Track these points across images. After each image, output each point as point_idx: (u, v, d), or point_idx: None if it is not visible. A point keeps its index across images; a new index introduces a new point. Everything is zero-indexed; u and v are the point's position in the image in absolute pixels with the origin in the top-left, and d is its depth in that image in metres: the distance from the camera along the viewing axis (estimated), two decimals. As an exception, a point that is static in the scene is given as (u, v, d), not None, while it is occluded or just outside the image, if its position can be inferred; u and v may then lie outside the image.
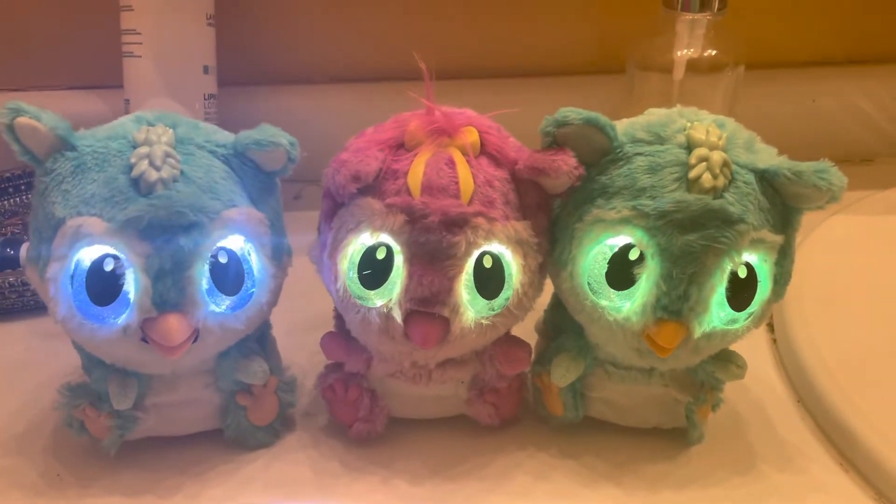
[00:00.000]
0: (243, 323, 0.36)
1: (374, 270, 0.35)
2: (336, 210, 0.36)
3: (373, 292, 0.35)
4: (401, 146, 0.35)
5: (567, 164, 0.34)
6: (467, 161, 0.35)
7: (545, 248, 0.37)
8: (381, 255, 0.34)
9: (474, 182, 0.34)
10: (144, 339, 0.34)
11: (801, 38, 0.67)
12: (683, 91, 0.57)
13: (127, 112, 0.58)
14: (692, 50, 0.57)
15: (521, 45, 0.66)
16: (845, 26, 0.67)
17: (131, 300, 0.33)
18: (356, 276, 0.35)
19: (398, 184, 0.34)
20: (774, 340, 0.48)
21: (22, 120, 0.34)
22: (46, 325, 0.49)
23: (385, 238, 0.34)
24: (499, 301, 0.35)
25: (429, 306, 0.34)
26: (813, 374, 0.43)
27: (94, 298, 0.34)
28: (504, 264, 0.35)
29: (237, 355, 0.38)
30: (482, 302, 0.35)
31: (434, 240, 0.33)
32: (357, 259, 0.35)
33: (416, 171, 0.34)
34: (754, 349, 0.47)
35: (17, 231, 0.59)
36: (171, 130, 0.35)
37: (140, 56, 0.56)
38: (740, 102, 0.59)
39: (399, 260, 0.34)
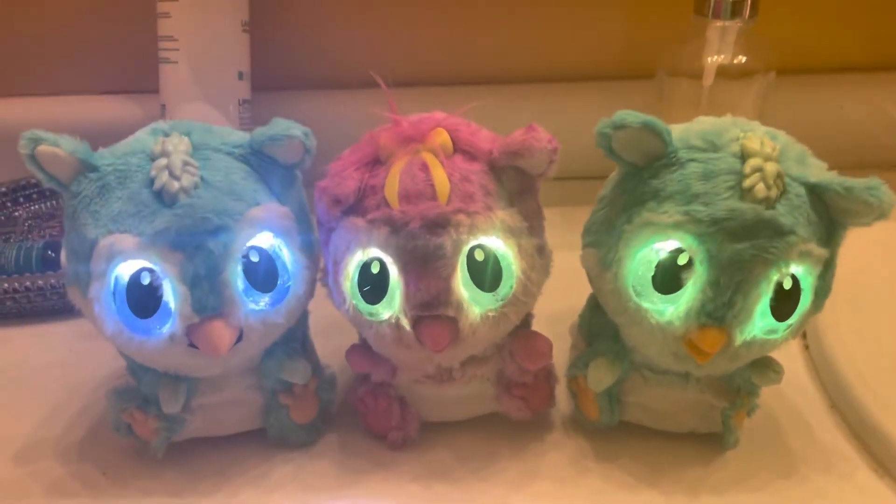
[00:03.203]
0: (284, 317, 0.37)
1: (372, 286, 0.35)
2: (330, 235, 0.37)
3: (377, 306, 0.36)
4: (376, 161, 0.36)
5: (538, 140, 0.34)
6: (441, 162, 0.35)
7: (540, 229, 0.37)
8: (375, 269, 0.35)
9: (450, 181, 0.34)
10: (192, 345, 0.34)
11: (830, 45, 0.67)
12: (713, 97, 0.58)
13: (163, 117, 0.59)
14: (722, 56, 0.57)
15: (551, 50, 0.67)
16: (873, 33, 0.67)
17: (172, 309, 0.34)
18: (360, 293, 0.36)
19: (377, 198, 0.35)
20: (807, 346, 0.49)
21: (42, 148, 0.34)
22: (87, 326, 0.51)
23: (375, 252, 0.35)
24: (504, 291, 0.36)
25: (432, 310, 0.34)
26: (846, 379, 0.43)
27: (137, 311, 0.34)
28: (498, 255, 0.35)
29: (282, 355, 0.39)
30: (486, 295, 0.35)
31: (420, 245, 0.34)
32: (356, 277, 0.36)
33: (392, 181, 0.35)
34: (787, 355, 0.46)
35: (55, 234, 0.60)
36: (186, 138, 0.35)
37: (176, 62, 0.57)
38: (770, 108, 0.59)
39: (393, 271, 0.35)
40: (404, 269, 0.34)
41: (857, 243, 0.56)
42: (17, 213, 0.62)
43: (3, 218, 0.61)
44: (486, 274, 0.35)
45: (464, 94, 0.64)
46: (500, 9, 0.65)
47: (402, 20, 0.65)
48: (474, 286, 0.35)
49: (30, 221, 0.61)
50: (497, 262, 0.35)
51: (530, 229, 0.36)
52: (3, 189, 0.62)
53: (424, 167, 0.35)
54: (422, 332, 0.35)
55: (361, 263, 0.35)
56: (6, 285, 0.51)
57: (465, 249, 0.34)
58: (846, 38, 0.67)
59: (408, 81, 0.66)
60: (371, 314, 0.36)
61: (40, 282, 0.51)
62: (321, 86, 0.66)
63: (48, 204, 0.63)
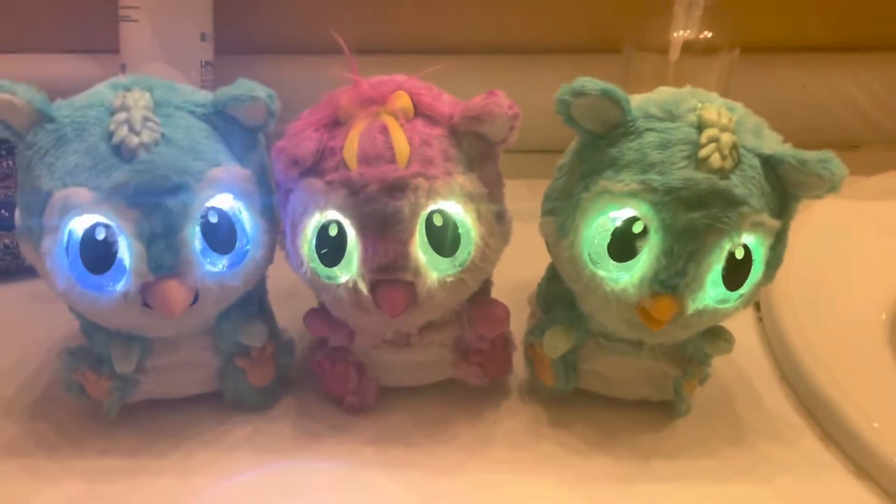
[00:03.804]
0: (241, 280, 0.37)
1: (330, 248, 0.35)
2: (288, 197, 0.36)
3: (335, 269, 0.35)
4: (336, 123, 0.36)
5: (500, 105, 0.35)
6: (400, 125, 0.35)
7: (499, 196, 0.37)
8: (333, 231, 0.35)
9: (410, 144, 0.34)
10: (146, 304, 0.34)
11: (794, 25, 0.68)
12: (679, 72, 0.58)
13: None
14: (688, 31, 0.57)
15: (520, 21, 0.66)
16: (837, 14, 0.68)
17: (127, 266, 0.34)
18: (316, 256, 0.36)
19: (336, 159, 0.35)
20: (760, 319, 0.50)
21: None
22: (42, 287, 0.50)
23: (333, 214, 0.35)
24: (462, 256, 0.36)
25: (390, 273, 0.34)
26: (796, 350, 0.44)
27: (91, 267, 0.34)
28: (457, 220, 0.35)
29: (238, 318, 0.39)
30: (444, 260, 0.35)
31: (378, 208, 0.34)
32: (314, 240, 0.35)
33: (351, 143, 0.34)
34: (741, 327, 0.48)
35: (10, 194, 0.59)
36: (147, 94, 0.35)
37: (137, 21, 0.56)
38: (733, 85, 0.59)
39: (351, 233, 0.35)
40: (362, 232, 0.34)
41: (813, 221, 0.57)
42: (-29, 173, 0.61)
43: (-44, 177, 0.60)
44: (444, 239, 0.35)
45: (429, 63, 0.63)
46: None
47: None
48: (432, 251, 0.35)
49: (-16, 181, 0.60)
50: (456, 227, 0.35)
51: (490, 196, 0.36)
52: (-43, 148, 0.60)
53: (384, 130, 0.35)
54: (379, 295, 0.35)
55: (319, 226, 0.35)
56: (-41, 245, 0.50)
57: (424, 214, 0.34)
58: (810, 18, 0.68)
59: (372, 49, 0.65)
60: (329, 277, 0.36)
61: (-6, 241, 0.50)
62: (285, 50, 0.65)
63: (3, 163, 0.61)
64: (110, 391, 0.38)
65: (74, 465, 0.38)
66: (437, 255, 0.35)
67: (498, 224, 0.37)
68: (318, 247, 0.35)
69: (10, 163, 0.61)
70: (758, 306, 0.50)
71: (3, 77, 0.61)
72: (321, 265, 0.36)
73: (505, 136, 0.36)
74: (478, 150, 0.36)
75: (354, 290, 0.35)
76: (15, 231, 0.50)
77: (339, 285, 0.36)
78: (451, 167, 0.35)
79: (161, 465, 0.38)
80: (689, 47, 0.57)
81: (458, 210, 0.35)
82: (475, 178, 0.36)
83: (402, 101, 0.35)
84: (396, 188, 0.34)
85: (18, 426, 0.40)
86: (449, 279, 0.36)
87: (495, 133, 0.36)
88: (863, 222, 0.58)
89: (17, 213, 0.51)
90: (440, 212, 0.35)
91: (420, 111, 0.36)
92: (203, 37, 0.58)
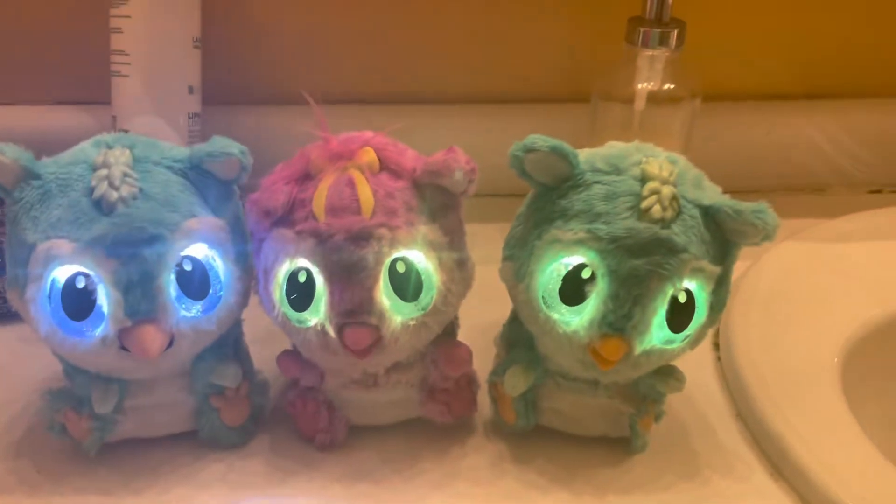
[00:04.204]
0: (215, 324, 0.39)
1: (299, 293, 0.38)
2: (261, 245, 0.39)
3: (305, 313, 0.38)
4: (307, 177, 0.38)
5: (457, 161, 0.37)
6: (367, 179, 0.37)
7: (461, 244, 0.40)
8: (302, 278, 0.37)
9: (374, 197, 0.37)
10: (123, 348, 0.36)
11: (757, 74, 0.71)
12: (644, 121, 0.61)
13: (114, 128, 0.60)
14: (652, 83, 0.60)
15: (488, 71, 0.69)
16: (798, 63, 0.71)
17: (105, 313, 0.36)
18: (287, 301, 0.38)
19: (305, 210, 0.37)
20: (719, 358, 0.51)
21: None
22: (27, 331, 0.51)
23: (303, 262, 0.37)
24: (424, 301, 0.38)
25: (356, 317, 0.37)
26: (751, 390, 0.46)
27: (71, 314, 0.36)
28: (419, 267, 0.38)
29: (212, 359, 0.41)
30: (407, 305, 0.38)
31: (344, 256, 0.36)
32: (284, 285, 0.38)
33: (320, 196, 0.37)
34: (700, 366, 0.50)
35: (2, 240, 0.61)
36: (128, 151, 0.37)
37: (128, 76, 0.59)
38: (697, 133, 0.62)
39: (320, 280, 0.37)
40: (329, 279, 0.36)
41: (775, 262, 0.59)
42: (-36, 220, 0.63)
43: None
44: (407, 285, 0.37)
45: (404, 113, 0.67)
46: (437, 31, 0.68)
47: (347, 41, 0.68)
48: (396, 296, 0.37)
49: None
50: (418, 273, 0.38)
51: (450, 244, 0.39)
52: (-49, 196, 0.63)
53: (351, 183, 0.37)
54: (346, 337, 0.37)
55: (289, 273, 0.37)
56: (-51, 289, 0.52)
57: (388, 261, 0.37)
58: (772, 67, 0.71)
59: (350, 99, 0.68)
60: (299, 321, 0.38)
61: (-18, 286, 0.52)
62: (269, 101, 0.68)
63: (-2, 211, 0.64)
64: (90, 431, 0.40)
65: (53, 501, 0.40)
66: (400, 300, 0.37)
67: (459, 270, 0.39)
68: (289, 292, 0.38)
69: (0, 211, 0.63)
70: (717, 345, 0.52)
71: (-1, 128, 0.64)
72: (291, 310, 0.38)
73: (464, 188, 0.38)
74: (440, 201, 0.39)
75: (322, 332, 0.37)
76: (2, 278, 0.53)
77: (308, 328, 0.38)
78: (413, 217, 0.37)
79: (137, 502, 0.40)
80: (653, 97, 0.60)
81: (419, 258, 0.38)
82: (437, 227, 0.38)
83: (369, 156, 0.38)
84: (361, 237, 0.36)
85: (1, 463, 0.42)
86: (412, 322, 0.38)
87: (455, 186, 0.38)
88: (822, 264, 0.59)
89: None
90: (403, 259, 0.37)
91: (385, 165, 0.38)
92: (191, 90, 0.61)
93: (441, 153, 0.38)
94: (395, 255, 0.37)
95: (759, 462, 0.43)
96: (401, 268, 0.37)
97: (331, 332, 0.37)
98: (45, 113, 0.67)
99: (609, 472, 0.42)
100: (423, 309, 0.38)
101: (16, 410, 0.46)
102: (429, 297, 0.38)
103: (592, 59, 0.64)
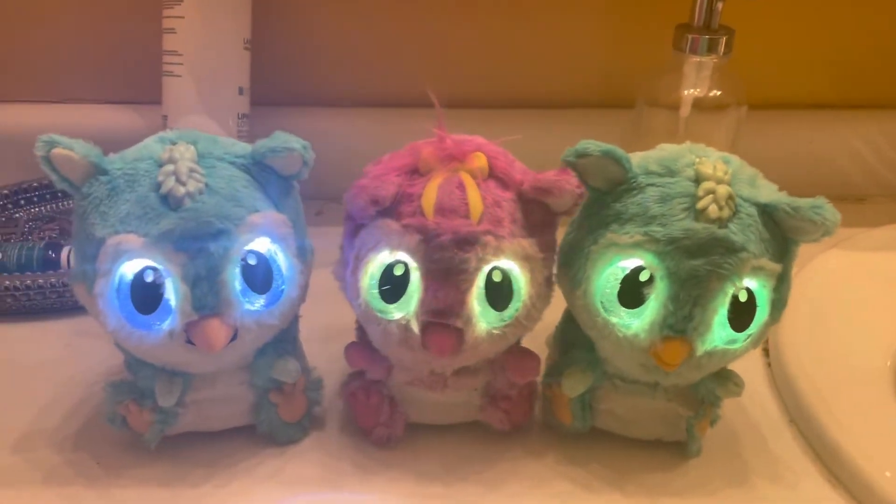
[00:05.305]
0: (277, 318, 0.39)
1: (392, 286, 0.38)
2: (357, 231, 0.39)
3: (392, 306, 0.38)
4: (415, 171, 0.38)
5: (570, 183, 0.38)
6: (476, 184, 0.37)
7: (551, 262, 0.40)
8: (398, 271, 0.37)
9: (483, 203, 0.37)
10: (189, 341, 0.37)
11: (800, 83, 0.71)
12: (689, 128, 0.61)
13: (164, 127, 0.61)
14: (698, 90, 0.60)
15: (536, 77, 0.70)
16: (841, 73, 0.71)
17: (173, 307, 0.36)
18: (377, 291, 0.38)
19: (413, 206, 0.37)
20: (769, 364, 0.51)
21: (57, 151, 0.36)
22: (84, 324, 0.53)
23: (402, 256, 0.37)
24: (509, 312, 0.38)
25: (443, 318, 0.37)
26: (804, 395, 0.46)
27: (140, 308, 0.36)
28: (513, 278, 0.38)
29: (273, 355, 0.41)
30: (493, 313, 0.38)
31: (447, 257, 0.36)
32: (377, 275, 0.38)
33: (430, 194, 0.37)
34: (750, 371, 0.50)
35: (55, 235, 0.62)
36: (192, 147, 0.38)
37: (180, 76, 0.59)
38: (742, 141, 0.62)
39: (415, 276, 0.37)
40: (426, 276, 0.37)
41: (819, 270, 0.59)
42: (17, 215, 0.64)
43: (3, 219, 0.63)
44: (499, 294, 0.38)
45: (449, 116, 0.67)
46: (487, 36, 0.68)
47: (390, 45, 0.68)
48: (486, 303, 0.37)
49: (30, 223, 0.63)
50: (510, 284, 0.38)
51: (544, 260, 0.39)
52: (5, 192, 0.64)
53: (461, 186, 0.37)
54: (429, 336, 0.37)
55: (386, 264, 0.38)
56: (7, 283, 0.52)
57: (486, 268, 0.37)
58: (815, 76, 0.71)
59: (394, 102, 0.69)
60: (382, 311, 0.38)
61: (40, 280, 0.53)
62: (315, 103, 0.69)
63: (48, 207, 0.65)
64: (151, 423, 0.40)
65: (112, 493, 0.41)
66: (489, 308, 0.38)
67: (545, 288, 0.39)
68: (382, 283, 0.38)
69: (55, 206, 0.65)
70: (766, 351, 0.52)
71: (49, 127, 0.65)
72: (378, 299, 0.38)
73: (568, 208, 0.39)
74: (540, 217, 0.39)
75: (406, 327, 0.38)
76: (62, 271, 0.54)
77: (390, 321, 0.38)
78: (516, 229, 0.38)
79: (195, 495, 0.41)
80: (698, 104, 0.60)
81: (515, 269, 0.38)
82: (535, 242, 0.38)
83: (480, 161, 0.38)
84: (467, 241, 0.36)
85: (59, 456, 0.43)
86: (495, 331, 0.38)
87: (559, 205, 0.39)
88: (867, 272, 0.59)
89: (64, 257, 0.54)
90: (500, 269, 0.37)
91: (494, 174, 0.39)
92: (240, 91, 0.61)
93: (553, 172, 0.38)
94: (495, 263, 0.37)
95: (816, 468, 0.43)
96: (497, 277, 0.37)
97: (415, 328, 0.37)
98: (96, 111, 0.68)
99: (663, 475, 0.42)
100: (506, 320, 0.38)
101: (73, 403, 0.46)
102: (514, 309, 0.38)
103: (636, 66, 0.64)
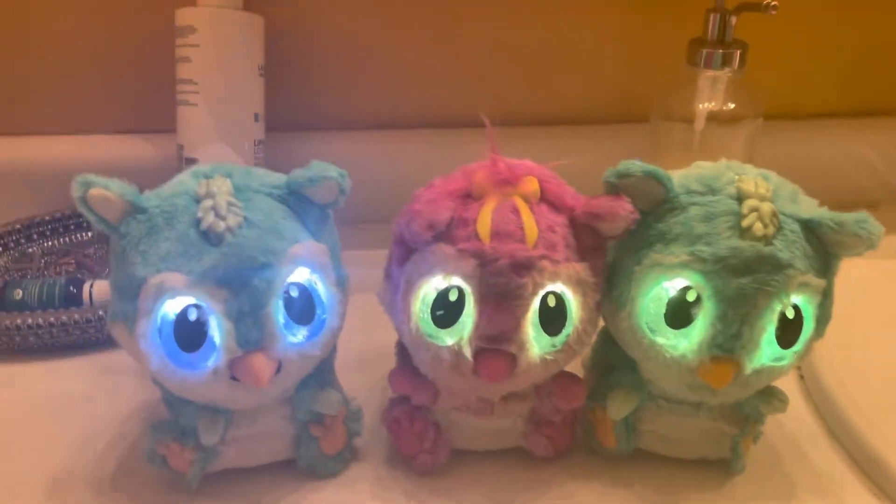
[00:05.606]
0: (319, 349, 0.38)
1: (446, 311, 0.37)
2: (408, 256, 0.38)
3: (444, 331, 0.37)
4: (468, 196, 0.38)
5: (624, 209, 0.37)
6: (530, 208, 0.37)
7: (600, 286, 0.39)
8: (453, 296, 0.37)
9: (537, 227, 0.37)
10: (233, 378, 0.36)
11: (811, 93, 0.72)
12: (704, 141, 0.61)
13: (180, 157, 0.61)
14: (713, 103, 0.60)
15: (552, 93, 0.70)
16: (850, 83, 0.72)
17: (217, 344, 0.35)
18: (429, 316, 0.38)
19: (468, 230, 0.37)
20: (801, 377, 0.51)
21: (94, 192, 0.35)
22: (108, 360, 0.52)
23: (457, 281, 0.37)
24: (561, 338, 0.38)
25: (497, 343, 0.36)
26: (842, 407, 0.46)
27: (183, 346, 0.36)
28: (566, 303, 0.38)
29: (315, 387, 0.41)
30: (546, 339, 0.38)
31: (503, 282, 0.36)
32: (430, 300, 0.37)
33: (485, 218, 0.37)
34: (783, 385, 0.50)
35: (71, 269, 0.61)
36: (228, 180, 0.37)
37: (196, 104, 0.59)
38: (757, 152, 0.62)
39: (470, 301, 0.37)
40: (482, 301, 0.36)
41: (847, 278, 0.59)
42: (31, 250, 0.63)
43: (17, 255, 0.62)
44: (553, 319, 0.37)
45: (465, 135, 0.67)
46: (502, 54, 0.68)
47: (402, 66, 0.68)
48: (540, 328, 0.37)
49: (45, 258, 0.62)
50: (564, 309, 0.38)
51: (595, 285, 0.38)
52: (18, 226, 0.63)
53: (515, 210, 0.37)
54: (482, 363, 0.37)
55: (440, 289, 0.37)
56: (30, 320, 0.52)
57: (541, 293, 0.37)
58: (827, 87, 0.72)
59: (408, 124, 0.69)
60: (433, 336, 0.38)
61: (63, 317, 0.52)
62: (331, 127, 0.69)
63: (61, 240, 0.64)
64: (192, 462, 0.40)
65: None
66: (543, 333, 0.37)
67: (595, 312, 0.39)
68: (434, 308, 0.37)
69: (69, 239, 0.64)
70: (798, 366, 0.52)
71: (63, 159, 0.65)
72: (430, 325, 0.38)
73: (619, 233, 0.38)
74: (590, 242, 0.39)
75: (458, 353, 0.37)
76: (85, 307, 0.53)
77: (441, 346, 0.37)
78: (569, 254, 0.37)
79: (240, 533, 0.40)
80: (714, 117, 0.60)
81: (568, 294, 0.37)
82: (587, 267, 0.38)
83: (533, 185, 0.38)
84: (524, 266, 0.36)
85: (97, 497, 0.42)
86: (547, 357, 0.38)
87: (611, 230, 0.38)
88: (890, 279, 0.60)
89: (92, 291, 0.53)
90: (555, 293, 0.37)
91: (546, 198, 0.38)
92: (256, 117, 0.61)
93: (606, 198, 0.38)
94: (550, 288, 0.37)
95: (859, 480, 0.43)
96: (551, 301, 0.37)
97: (467, 354, 0.37)
98: (107, 142, 0.67)
99: (710, 495, 0.42)
100: (558, 346, 0.38)
101: (104, 443, 0.45)
102: (566, 334, 0.38)
103: (650, 81, 0.65)
